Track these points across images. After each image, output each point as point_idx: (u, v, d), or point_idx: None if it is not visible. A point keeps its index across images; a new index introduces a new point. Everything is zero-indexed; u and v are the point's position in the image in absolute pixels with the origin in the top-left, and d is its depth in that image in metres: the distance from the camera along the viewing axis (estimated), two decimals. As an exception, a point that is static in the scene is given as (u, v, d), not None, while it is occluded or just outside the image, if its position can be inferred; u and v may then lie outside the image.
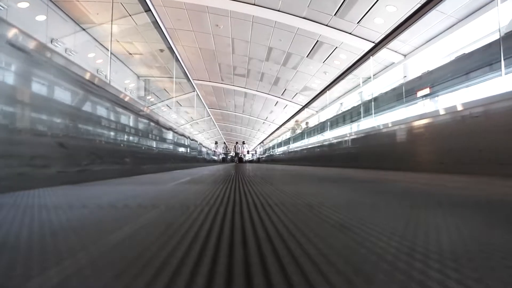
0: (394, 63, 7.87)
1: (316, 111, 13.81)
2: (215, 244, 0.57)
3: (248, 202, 1.14)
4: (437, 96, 4.28)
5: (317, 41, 8.15)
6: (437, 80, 4.27)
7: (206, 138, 19.98)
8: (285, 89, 12.69)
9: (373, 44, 6.24)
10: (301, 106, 12.53)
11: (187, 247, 0.55)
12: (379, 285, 0.39)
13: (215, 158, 15.90)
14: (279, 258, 0.49)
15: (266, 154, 19.45)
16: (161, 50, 9.00)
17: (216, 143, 21.62)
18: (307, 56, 9.26)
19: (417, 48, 7.02)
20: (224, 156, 20.40)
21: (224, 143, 25.29)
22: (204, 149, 10.90)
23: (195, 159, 8.01)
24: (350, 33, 7.38)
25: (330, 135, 8.60)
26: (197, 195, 1.38)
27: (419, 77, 4.84)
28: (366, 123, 6.13)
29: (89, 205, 1.04)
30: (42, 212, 0.90)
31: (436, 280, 0.40)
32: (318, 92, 9.52)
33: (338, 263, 0.46)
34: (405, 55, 7.39)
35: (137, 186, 1.91)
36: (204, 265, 0.46)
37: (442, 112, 3.07)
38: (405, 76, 7.58)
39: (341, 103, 12.30)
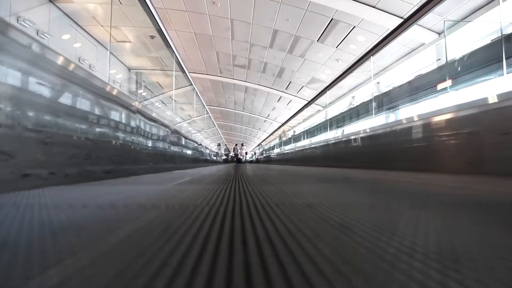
0: (424, 44, 6.37)
1: (323, 107, 12.50)
2: (215, 244, 0.58)
3: (248, 202, 1.16)
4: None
5: (332, 19, 6.73)
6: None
7: (205, 137, 18.89)
8: (290, 82, 11.35)
9: (402, 20, 4.77)
10: (306, 102, 11.30)
11: (187, 247, 0.56)
12: (379, 285, 0.40)
13: (217, 159, 17.34)
14: (279, 258, 0.50)
15: (264, 155, 21.61)
16: (152, 37, 7.92)
17: (218, 145, 24.63)
18: (317, 40, 7.88)
19: (457, 22, 5.52)
20: (226, 157, 23.35)
21: (226, 145, 28.12)
22: (207, 151, 12.25)
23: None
24: (373, 7, 5.95)
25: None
26: (197, 195, 1.40)
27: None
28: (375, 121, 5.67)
29: (89, 205, 1.05)
30: (42, 212, 0.91)
31: (436, 280, 0.41)
32: (328, 84, 8.14)
33: (338, 263, 0.47)
34: (439, 33, 5.91)
35: (137, 186, 1.92)
36: (204, 265, 0.47)
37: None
38: (439, 59, 6.15)
39: (352, 97, 10.93)
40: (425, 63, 7.54)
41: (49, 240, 0.61)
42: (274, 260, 0.48)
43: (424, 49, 7.03)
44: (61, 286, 0.39)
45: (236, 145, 23.12)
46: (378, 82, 9.72)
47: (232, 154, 23.63)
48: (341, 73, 8.12)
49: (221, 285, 0.39)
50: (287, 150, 13.00)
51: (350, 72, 7.45)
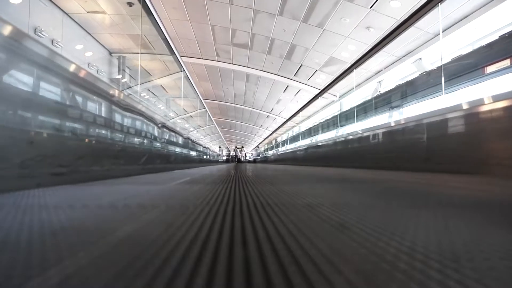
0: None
1: (338, 97, 10.14)
2: (215, 244, 0.59)
3: (248, 202, 1.18)
4: None
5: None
6: None
7: (203, 136, 16.69)
8: (301, 65, 9.20)
9: None
10: (319, 90, 9.39)
11: (187, 247, 0.57)
12: (379, 285, 0.41)
13: (219, 159, 18.95)
14: (279, 258, 0.50)
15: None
16: (130, 4, 6.17)
17: (220, 147, 26.84)
18: (345, -2, 5.45)
19: None
20: (227, 158, 26.07)
21: (227, 147, 31.46)
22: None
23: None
24: None
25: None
26: (197, 195, 1.43)
27: None
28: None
29: (90, 205, 1.08)
30: (42, 212, 0.93)
31: (436, 280, 0.42)
32: (350, 64, 6.17)
33: (338, 263, 0.48)
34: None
35: (137, 186, 2.03)
36: (204, 265, 0.47)
37: None
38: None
39: (379, 82, 8.52)
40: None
41: (49, 240, 0.62)
42: (274, 260, 0.48)
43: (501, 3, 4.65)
44: (61, 286, 0.39)
45: (236, 147, 28.83)
46: (420, 58, 7.28)
47: (232, 154, 27.68)
48: (371, 47, 5.75)
49: (221, 285, 0.39)
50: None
51: (387, 44, 5.14)
